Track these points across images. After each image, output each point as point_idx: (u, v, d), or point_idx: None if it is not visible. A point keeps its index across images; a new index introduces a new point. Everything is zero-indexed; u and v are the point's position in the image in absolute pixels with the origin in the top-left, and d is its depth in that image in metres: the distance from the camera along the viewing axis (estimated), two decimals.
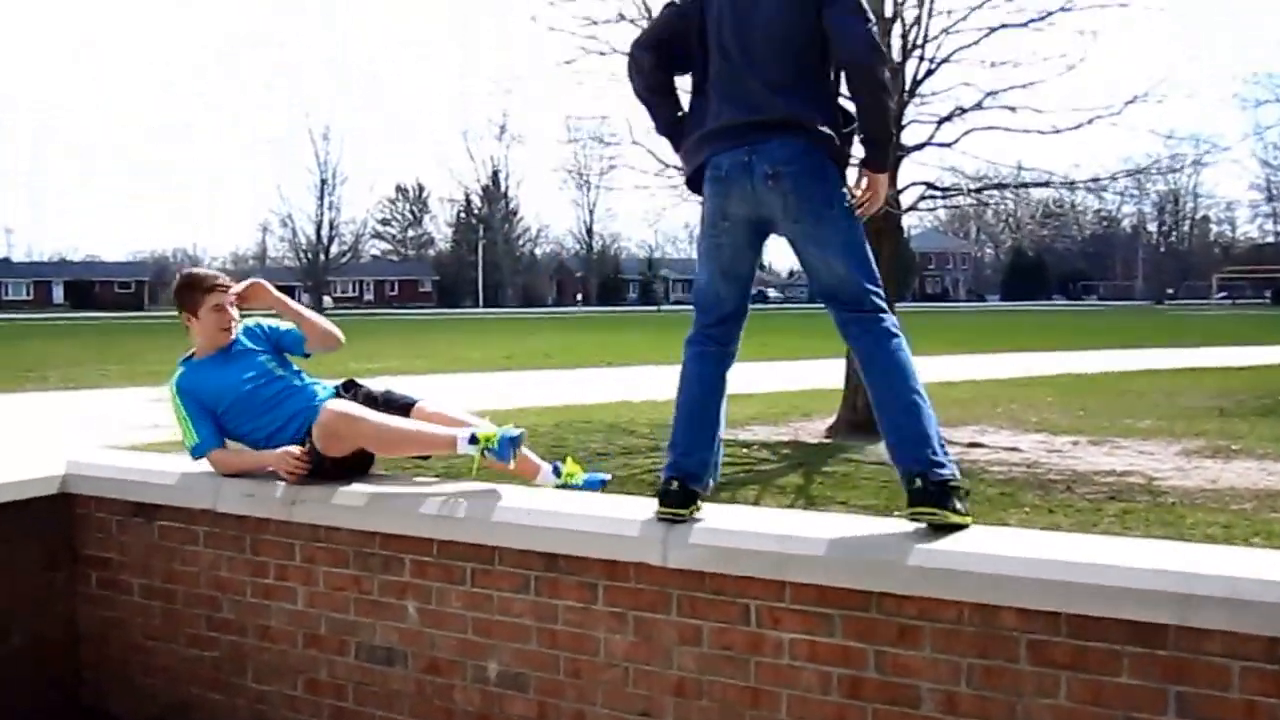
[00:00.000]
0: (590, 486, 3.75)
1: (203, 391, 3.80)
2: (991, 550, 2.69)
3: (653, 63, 3.24)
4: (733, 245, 3.17)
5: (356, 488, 3.58)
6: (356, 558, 3.51)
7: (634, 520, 3.12)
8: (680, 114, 3.30)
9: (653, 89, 3.31)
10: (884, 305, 3.06)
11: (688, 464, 3.10)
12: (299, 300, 3.93)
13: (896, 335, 3.05)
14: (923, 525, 2.83)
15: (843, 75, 3.11)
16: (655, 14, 3.23)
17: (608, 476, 3.84)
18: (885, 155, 3.18)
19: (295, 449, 3.64)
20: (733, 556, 2.93)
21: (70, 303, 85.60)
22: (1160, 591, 2.43)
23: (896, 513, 2.79)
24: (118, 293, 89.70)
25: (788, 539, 2.90)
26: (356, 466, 3.71)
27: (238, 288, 3.85)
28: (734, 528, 3.01)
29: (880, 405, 3.01)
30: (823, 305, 3.14)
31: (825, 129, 3.03)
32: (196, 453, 3.81)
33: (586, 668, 3.16)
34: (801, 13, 3.02)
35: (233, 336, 3.87)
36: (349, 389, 3.89)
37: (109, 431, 12.24)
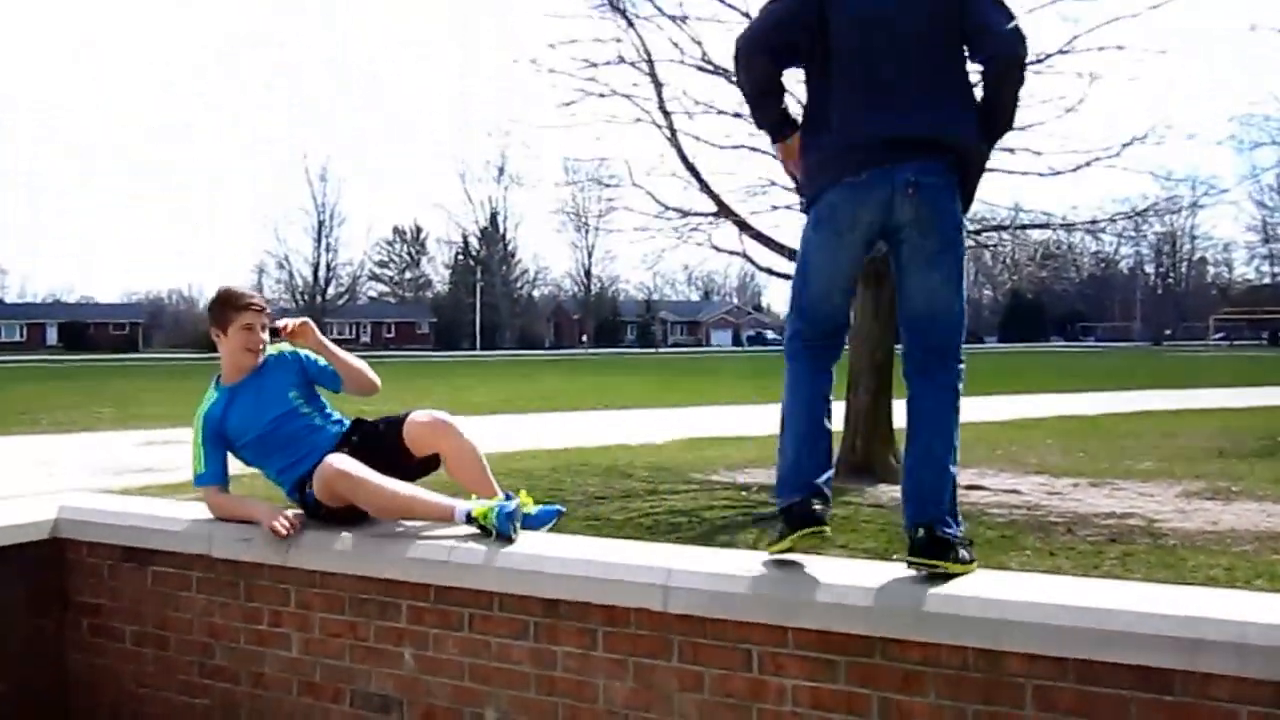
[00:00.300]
0: (545, 518, 3.67)
1: (226, 424, 3.78)
2: (996, 595, 2.66)
3: (767, 63, 3.09)
4: (852, 254, 3.07)
5: (353, 532, 3.54)
6: (353, 603, 3.46)
7: (634, 565, 3.09)
8: (785, 108, 3.19)
9: (766, 90, 3.15)
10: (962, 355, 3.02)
11: (823, 482, 3.01)
12: None
13: (959, 390, 3.02)
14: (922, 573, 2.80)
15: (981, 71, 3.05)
16: (762, 8, 3.05)
17: (562, 508, 3.79)
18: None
19: (290, 512, 3.62)
20: (734, 601, 2.90)
21: (64, 344, 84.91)
22: (1166, 636, 2.41)
23: (895, 556, 2.76)
24: (112, 334, 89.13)
25: (786, 583, 2.88)
26: (353, 516, 3.66)
27: (289, 323, 3.78)
28: (735, 572, 2.99)
29: (914, 452, 2.98)
30: (903, 341, 3.07)
31: (973, 145, 3.00)
32: (198, 482, 3.81)
33: (586, 715, 3.11)
34: (946, 12, 2.96)
35: (259, 360, 3.83)
36: (356, 429, 3.85)
37: (102, 475, 12.15)
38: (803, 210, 3.15)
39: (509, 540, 3.34)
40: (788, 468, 3.06)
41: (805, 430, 3.06)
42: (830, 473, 3.05)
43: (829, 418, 3.11)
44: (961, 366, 3.02)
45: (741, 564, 3.07)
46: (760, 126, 3.29)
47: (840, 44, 2.97)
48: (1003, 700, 2.58)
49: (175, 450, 15.13)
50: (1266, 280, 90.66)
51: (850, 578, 2.88)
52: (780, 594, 2.86)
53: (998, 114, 3.05)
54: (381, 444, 3.74)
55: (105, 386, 31.89)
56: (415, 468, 3.77)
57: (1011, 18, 2.98)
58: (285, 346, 3.91)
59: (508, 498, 3.56)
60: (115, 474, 12.26)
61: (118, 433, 17.62)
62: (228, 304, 3.85)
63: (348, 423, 3.90)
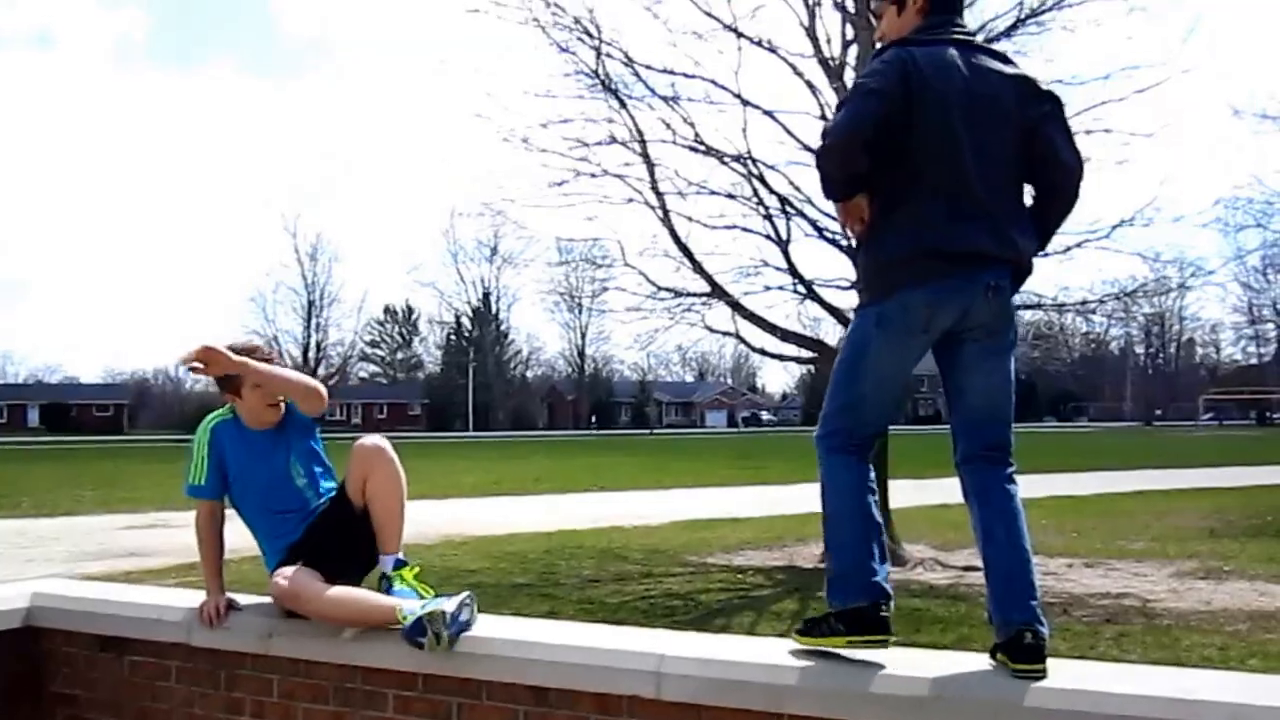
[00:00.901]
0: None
1: (229, 458, 3.71)
2: (988, 678, 2.65)
3: (865, 160, 2.98)
4: (918, 355, 3.04)
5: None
6: (337, 693, 3.38)
7: (625, 651, 3.02)
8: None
9: (855, 181, 3.03)
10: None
11: (884, 581, 2.91)
12: None
13: (1018, 484, 3.00)
14: (1004, 668, 2.74)
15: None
16: (856, 101, 2.96)
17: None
18: None
19: (222, 604, 3.59)
20: (727, 688, 2.84)
21: (46, 425, 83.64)
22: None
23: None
24: (96, 415, 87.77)
25: (782, 669, 2.82)
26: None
27: (185, 354, 3.48)
28: (728, 658, 2.93)
29: (997, 553, 2.91)
30: (959, 437, 3.03)
31: (1033, 258, 3.05)
32: (191, 492, 3.73)
33: None
34: (1024, 132, 2.98)
35: (281, 414, 3.72)
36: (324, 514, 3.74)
37: (83, 559, 12.00)
38: (863, 304, 3.09)
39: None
40: (849, 567, 2.94)
41: (862, 527, 2.96)
42: (888, 568, 2.98)
43: (878, 509, 3.03)
44: (1014, 461, 3.01)
45: (737, 650, 3.02)
46: (830, 198, 3.24)
47: (927, 147, 2.92)
48: None
49: (158, 534, 15.01)
50: (1254, 361, 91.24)
51: (842, 663, 2.83)
52: (773, 680, 2.79)
53: (1046, 233, 3.10)
54: (334, 527, 3.63)
55: (88, 469, 31.68)
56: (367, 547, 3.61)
57: (1078, 152, 3.03)
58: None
59: (399, 564, 3.50)
60: (97, 558, 12.14)
61: (100, 516, 17.45)
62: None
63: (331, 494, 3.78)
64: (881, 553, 2.95)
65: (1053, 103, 3.02)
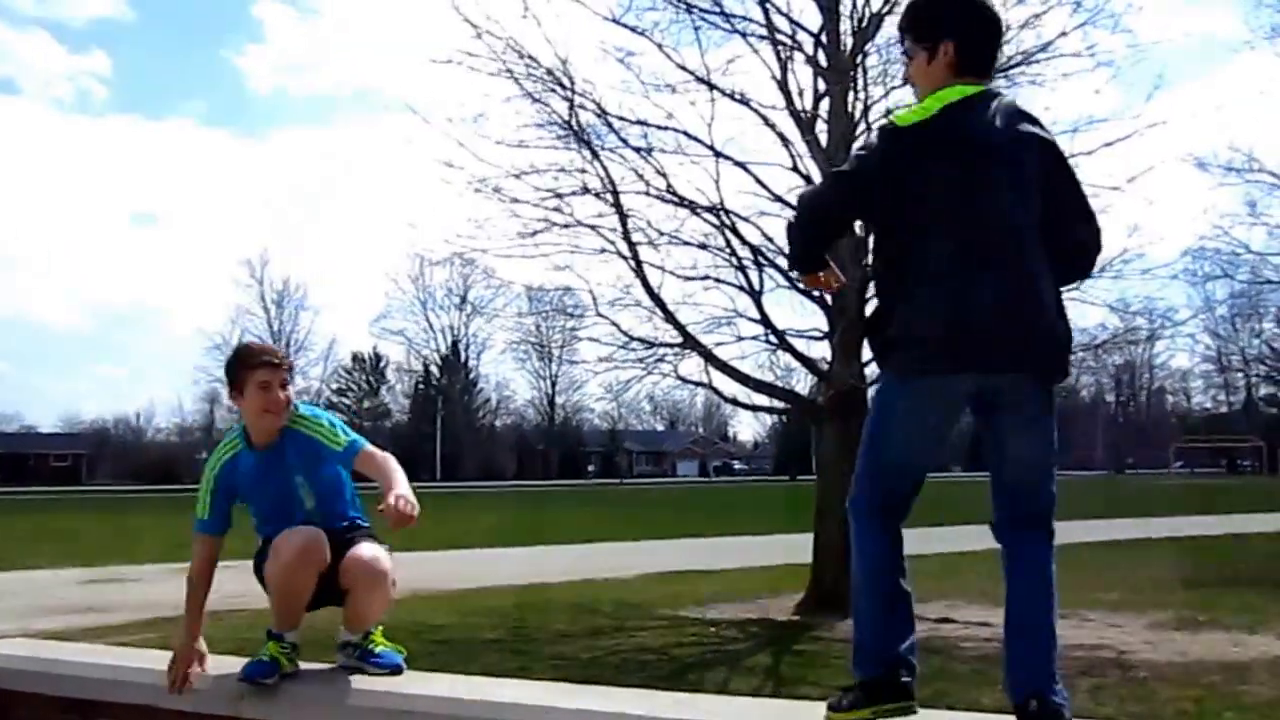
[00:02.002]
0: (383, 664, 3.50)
1: (235, 484, 3.69)
2: None
3: (837, 236, 3.06)
4: (944, 421, 3.02)
5: (309, 682, 3.40)
6: None
7: (603, 713, 2.96)
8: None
9: (815, 261, 3.08)
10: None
11: (906, 651, 2.90)
12: None
13: (1052, 550, 2.96)
14: None
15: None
16: (828, 181, 3.01)
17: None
18: None
19: (194, 672, 3.52)
20: None
21: (1, 476, 79.88)
22: None
23: None
24: (54, 465, 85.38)
25: None
26: None
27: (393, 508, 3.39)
28: (708, 718, 2.87)
29: (1023, 620, 2.88)
30: (994, 501, 2.99)
31: None
32: (198, 528, 3.69)
33: None
34: (1044, 195, 2.93)
35: (281, 422, 3.64)
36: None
37: (40, 615, 11.76)
38: (881, 365, 3.06)
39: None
40: (868, 636, 2.91)
41: (887, 594, 2.93)
42: (914, 638, 2.94)
43: (906, 578, 2.98)
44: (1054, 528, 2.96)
45: (717, 710, 3.05)
46: (790, 268, 3.24)
47: (925, 223, 2.84)
48: None
49: (118, 589, 14.77)
50: (1223, 409, 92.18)
51: None
52: None
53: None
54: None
55: (45, 521, 31.25)
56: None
57: (1096, 222, 3.04)
58: (313, 410, 3.74)
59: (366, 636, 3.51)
60: (54, 614, 11.90)
61: (57, 570, 17.17)
62: (242, 362, 3.69)
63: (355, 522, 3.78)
64: (904, 625, 2.91)
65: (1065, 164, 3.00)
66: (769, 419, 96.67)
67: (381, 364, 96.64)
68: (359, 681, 3.38)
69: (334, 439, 3.64)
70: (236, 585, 3.82)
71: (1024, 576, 2.90)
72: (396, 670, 3.38)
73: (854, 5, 11.71)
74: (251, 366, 3.66)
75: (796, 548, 14.41)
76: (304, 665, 3.65)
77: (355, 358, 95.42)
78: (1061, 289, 2.99)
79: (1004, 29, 3.19)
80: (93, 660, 3.86)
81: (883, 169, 2.85)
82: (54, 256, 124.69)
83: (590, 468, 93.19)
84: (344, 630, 3.58)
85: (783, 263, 11.79)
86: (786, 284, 11.87)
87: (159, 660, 3.70)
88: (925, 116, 2.84)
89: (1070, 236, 2.99)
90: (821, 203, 3.05)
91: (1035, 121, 2.97)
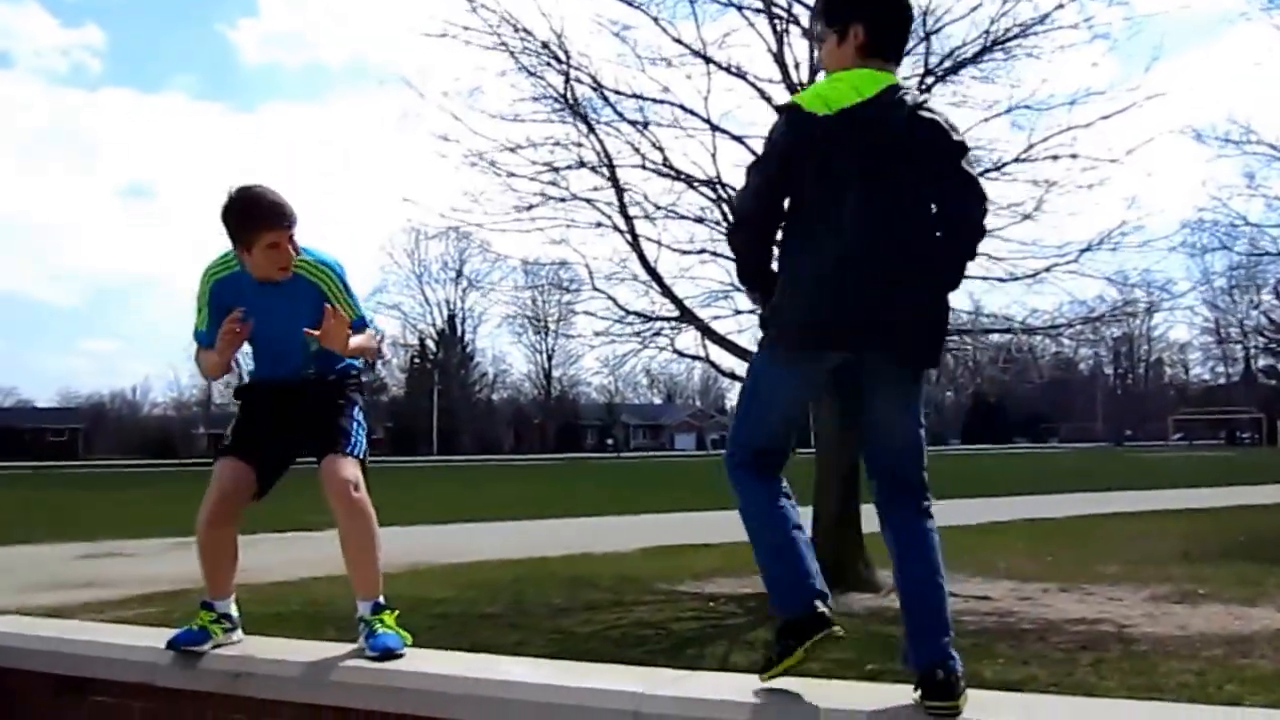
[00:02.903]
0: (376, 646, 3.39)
1: (231, 305, 3.53)
2: (972, 715, 2.58)
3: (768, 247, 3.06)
4: (813, 387, 3.14)
5: (306, 659, 3.36)
6: None
7: (603, 690, 2.93)
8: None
9: (764, 276, 3.09)
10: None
11: (817, 583, 2.96)
12: None
13: (933, 519, 3.01)
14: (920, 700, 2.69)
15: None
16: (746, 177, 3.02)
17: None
18: None
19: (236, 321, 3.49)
20: None
21: None
22: None
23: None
24: (50, 440, 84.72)
25: (772, 706, 2.76)
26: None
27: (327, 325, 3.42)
28: (707, 696, 2.85)
29: (912, 593, 2.90)
30: (871, 475, 3.08)
31: None
32: (197, 338, 3.64)
33: None
34: (934, 178, 2.98)
35: (289, 275, 3.53)
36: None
37: (37, 591, 11.74)
38: (762, 328, 3.11)
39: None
40: (777, 581, 2.97)
41: (783, 535, 2.98)
42: (817, 566, 2.97)
43: (798, 516, 3.04)
44: (930, 493, 3.02)
45: (714, 686, 2.96)
46: (744, 283, 3.28)
47: (815, 204, 2.91)
48: None
49: (115, 563, 14.77)
50: (1221, 381, 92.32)
51: (828, 699, 2.76)
52: (756, 719, 2.70)
53: (954, 280, 3.16)
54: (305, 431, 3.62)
55: (41, 496, 31.23)
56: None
57: (974, 200, 3.01)
58: (318, 274, 3.58)
59: (378, 608, 3.43)
60: (51, 589, 11.89)
61: (54, 545, 17.14)
62: (248, 219, 3.44)
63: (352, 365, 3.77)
64: (809, 560, 2.96)
65: (961, 152, 2.99)
66: None
67: (377, 338, 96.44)
68: (356, 660, 3.34)
69: (350, 310, 3.61)
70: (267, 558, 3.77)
71: (910, 545, 2.95)
72: (389, 654, 3.29)
73: None
74: (261, 227, 3.44)
75: None
76: (310, 643, 3.62)
77: None
78: (953, 274, 3.08)
79: (913, 16, 3.22)
80: (87, 637, 3.81)
81: (795, 150, 2.91)
82: (48, 231, 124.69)
83: (611, 441, 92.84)
84: (357, 598, 3.49)
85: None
86: None
87: (154, 637, 3.66)
88: (830, 111, 2.89)
89: (959, 218, 3.02)
90: (743, 197, 3.10)
91: (935, 113, 3.00)
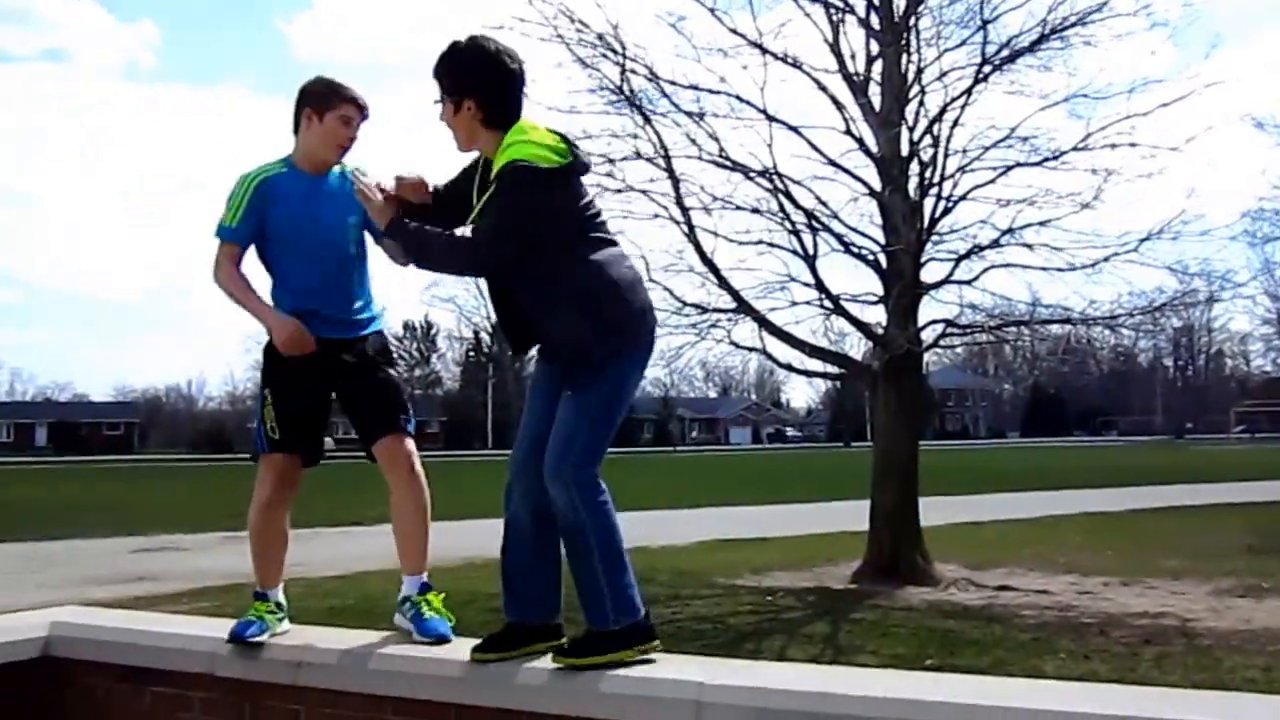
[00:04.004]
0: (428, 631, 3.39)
1: (269, 208, 3.55)
2: (1036, 704, 2.52)
3: None
4: None
5: (368, 649, 3.36)
6: None
7: (667, 680, 2.91)
8: None
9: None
10: None
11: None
12: None
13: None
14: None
15: None
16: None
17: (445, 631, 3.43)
18: None
19: (303, 335, 3.51)
20: (770, 718, 2.71)
21: (54, 445, 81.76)
22: None
23: (930, 660, 2.61)
24: (106, 434, 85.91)
25: (827, 697, 2.70)
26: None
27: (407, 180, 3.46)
28: (769, 685, 2.82)
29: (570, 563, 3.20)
30: None
31: None
32: (221, 233, 3.58)
33: None
34: None
35: (339, 161, 3.61)
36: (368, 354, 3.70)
37: (93, 585, 11.92)
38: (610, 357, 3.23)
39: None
40: (626, 594, 3.13)
41: (623, 553, 3.20)
42: None
43: None
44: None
45: (776, 676, 2.93)
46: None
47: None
48: None
49: (169, 558, 14.96)
50: None
51: (888, 690, 2.72)
52: (818, 708, 2.67)
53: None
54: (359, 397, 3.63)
55: (97, 490, 31.68)
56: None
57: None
58: (361, 170, 3.59)
59: (425, 588, 3.46)
60: (107, 583, 12.05)
61: (109, 540, 17.35)
62: (335, 90, 3.58)
63: (379, 321, 3.74)
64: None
65: None
66: (822, 385, 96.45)
67: (433, 332, 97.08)
68: (417, 650, 3.33)
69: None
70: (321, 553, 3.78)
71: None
72: (442, 640, 3.31)
73: None
74: (344, 99, 3.57)
75: (851, 515, 14.31)
76: (363, 631, 3.63)
77: (406, 326, 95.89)
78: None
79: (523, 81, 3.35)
80: (149, 628, 3.83)
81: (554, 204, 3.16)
82: (103, 226, 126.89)
83: (683, 437, 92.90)
84: (403, 574, 3.52)
85: (838, 227, 11.66)
86: (841, 248, 11.75)
87: (214, 628, 3.69)
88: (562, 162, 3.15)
89: None
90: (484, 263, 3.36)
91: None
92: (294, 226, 3.57)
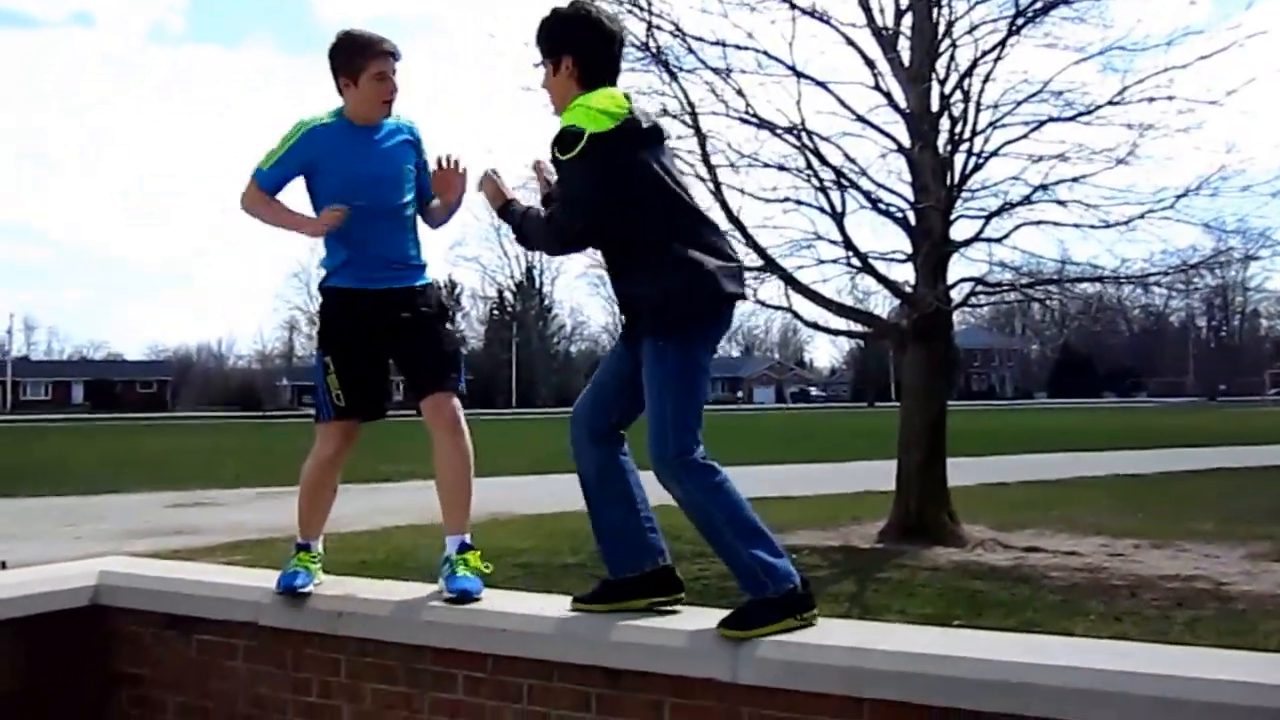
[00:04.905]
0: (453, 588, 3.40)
1: (324, 160, 3.56)
2: (1074, 662, 2.51)
3: None
4: None
5: (406, 600, 3.41)
6: (406, 674, 3.31)
7: (700, 633, 2.94)
8: None
9: None
10: None
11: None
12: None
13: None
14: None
15: None
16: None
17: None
18: None
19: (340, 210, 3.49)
20: (806, 671, 2.75)
21: (90, 403, 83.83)
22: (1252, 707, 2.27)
23: (957, 621, 2.63)
24: (140, 392, 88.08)
25: (862, 652, 2.73)
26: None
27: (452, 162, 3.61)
28: (805, 640, 2.85)
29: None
30: None
31: None
32: (258, 175, 3.59)
33: None
34: None
35: (390, 112, 3.61)
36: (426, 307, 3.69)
37: (130, 538, 12.11)
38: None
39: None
40: (774, 561, 3.04)
41: (758, 523, 3.15)
42: None
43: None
44: None
45: (811, 631, 2.94)
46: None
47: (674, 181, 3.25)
48: None
49: (204, 512, 15.14)
50: None
51: (921, 645, 2.75)
52: (853, 664, 2.70)
53: None
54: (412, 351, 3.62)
55: (132, 446, 32.06)
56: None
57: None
58: (406, 120, 3.66)
59: (464, 547, 3.46)
60: (145, 536, 12.23)
61: (146, 494, 17.62)
62: (357, 50, 3.53)
63: (426, 275, 3.72)
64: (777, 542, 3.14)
65: None
66: (846, 345, 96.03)
67: (457, 291, 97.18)
68: (439, 596, 3.41)
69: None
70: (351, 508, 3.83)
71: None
72: (466, 597, 3.31)
73: None
74: (371, 55, 3.53)
75: (876, 475, 14.31)
76: (410, 584, 3.69)
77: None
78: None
79: (621, 44, 3.41)
80: (195, 578, 3.90)
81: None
82: (136, 186, 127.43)
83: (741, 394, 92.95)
84: (445, 534, 3.53)
85: (866, 184, 11.57)
86: (868, 205, 11.66)
87: (259, 578, 3.76)
88: (611, 125, 3.09)
89: None
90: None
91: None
92: (345, 176, 3.55)
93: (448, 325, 3.76)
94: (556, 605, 3.30)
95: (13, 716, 3.65)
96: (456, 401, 3.59)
